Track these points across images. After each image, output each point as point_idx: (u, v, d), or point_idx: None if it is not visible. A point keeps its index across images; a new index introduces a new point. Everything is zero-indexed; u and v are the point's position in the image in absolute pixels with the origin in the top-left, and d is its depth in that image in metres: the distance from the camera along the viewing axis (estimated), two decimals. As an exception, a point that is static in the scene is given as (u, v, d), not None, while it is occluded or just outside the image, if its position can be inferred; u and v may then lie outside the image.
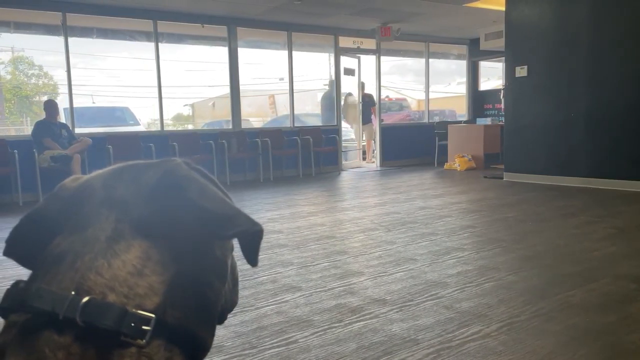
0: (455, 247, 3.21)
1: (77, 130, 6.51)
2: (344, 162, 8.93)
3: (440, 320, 2.07)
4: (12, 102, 9.41)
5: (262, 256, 2.91)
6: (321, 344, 1.88)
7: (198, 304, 0.51)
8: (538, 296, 2.32)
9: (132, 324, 0.45)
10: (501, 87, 8.96)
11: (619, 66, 5.37)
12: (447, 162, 8.51)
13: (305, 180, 7.46)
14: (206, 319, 0.51)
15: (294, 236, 3.67)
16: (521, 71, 6.17)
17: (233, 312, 0.66)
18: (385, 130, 9.23)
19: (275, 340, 1.93)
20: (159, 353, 0.46)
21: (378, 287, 2.50)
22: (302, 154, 7.87)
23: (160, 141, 6.84)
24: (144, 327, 0.45)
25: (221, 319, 0.59)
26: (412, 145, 9.47)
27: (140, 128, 8.30)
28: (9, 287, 0.53)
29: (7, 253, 0.59)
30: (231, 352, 1.84)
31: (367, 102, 9.33)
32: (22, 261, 0.58)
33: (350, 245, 3.38)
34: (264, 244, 0.49)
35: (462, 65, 10.51)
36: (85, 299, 0.45)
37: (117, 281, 0.47)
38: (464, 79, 10.57)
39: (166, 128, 7.37)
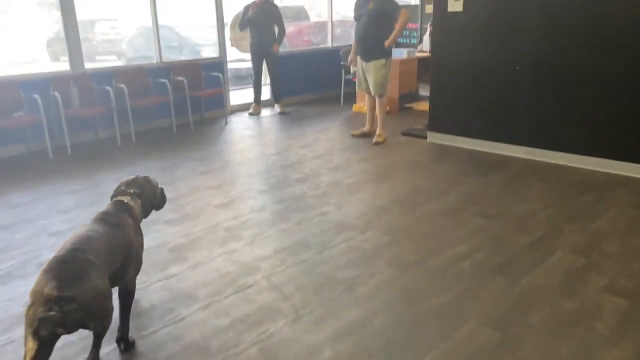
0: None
1: None
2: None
3: None
4: None
5: None
6: None
7: None
8: None
9: None
10: (428, 25, 7.35)
11: (578, 9, 4.17)
12: (355, 102, 7.13)
13: (181, 135, 5.73)
14: None
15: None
16: (455, 4, 4.77)
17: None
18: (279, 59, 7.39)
19: None
20: None
21: None
22: (174, 100, 6.01)
23: None
24: None
25: None
26: (313, 76, 7.91)
27: None
28: None
29: None
30: None
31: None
32: None
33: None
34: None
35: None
36: None
37: None
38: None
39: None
